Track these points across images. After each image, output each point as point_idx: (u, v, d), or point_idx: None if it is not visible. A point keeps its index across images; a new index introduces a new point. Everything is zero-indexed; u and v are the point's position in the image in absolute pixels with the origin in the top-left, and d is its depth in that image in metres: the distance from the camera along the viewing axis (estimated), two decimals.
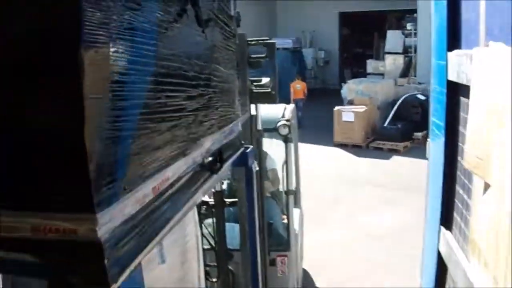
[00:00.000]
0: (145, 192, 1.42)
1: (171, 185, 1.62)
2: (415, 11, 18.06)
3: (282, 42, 20.16)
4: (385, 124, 14.14)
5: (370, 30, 23.63)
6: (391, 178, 10.67)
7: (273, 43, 4.22)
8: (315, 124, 14.97)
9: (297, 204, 6.20)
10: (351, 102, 14.67)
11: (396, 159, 12.66)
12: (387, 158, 12.77)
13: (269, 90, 3.94)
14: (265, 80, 3.98)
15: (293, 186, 5.65)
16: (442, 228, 2.89)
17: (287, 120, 5.09)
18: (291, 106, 5.95)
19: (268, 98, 4.00)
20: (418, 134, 13.42)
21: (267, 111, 4.73)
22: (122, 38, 1.26)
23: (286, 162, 5.41)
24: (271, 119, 5.02)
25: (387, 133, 13.79)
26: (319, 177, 10.16)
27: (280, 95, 4.38)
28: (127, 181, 1.31)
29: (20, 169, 1.19)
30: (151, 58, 1.42)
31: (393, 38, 19.71)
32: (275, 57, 4.17)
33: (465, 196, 2.52)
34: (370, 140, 13.92)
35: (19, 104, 1.15)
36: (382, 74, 19.31)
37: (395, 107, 14.34)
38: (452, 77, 2.65)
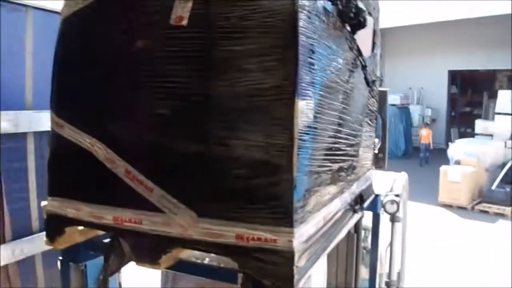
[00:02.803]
0: (318, 219, 1.77)
1: (332, 216, 1.97)
2: None
3: (390, 98, 20.24)
4: (493, 187, 13.68)
5: (479, 89, 23.07)
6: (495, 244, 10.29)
7: (385, 92, 3.25)
8: (419, 184, 14.67)
9: None
10: (457, 162, 14.35)
11: (502, 223, 12.19)
12: (493, 221, 12.33)
13: (376, 152, 3.10)
14: None
15: (395, 274, 4.31)
16: None
17: (397, 195, 3.82)
18: (403, 176, 4.70)
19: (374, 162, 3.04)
20: None
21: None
22: (322, 94, 1.65)
23: (391, 245, 4.08)
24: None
25: (494, 196, 13.32)
26: (419, 239, 9.97)
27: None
28: (311, 207, 1.67)
29: (235, 186, 1.59)
30: (336, 110, 1.80)
31: (504, 98, 19.07)
32: (386, 109, 3.28)
33: None
34: (476, 203, 13.52)
35: (241, 129, 1.55)
36: (491, 135, 18.66)
37: (504, 170, 13.87)
38: None
